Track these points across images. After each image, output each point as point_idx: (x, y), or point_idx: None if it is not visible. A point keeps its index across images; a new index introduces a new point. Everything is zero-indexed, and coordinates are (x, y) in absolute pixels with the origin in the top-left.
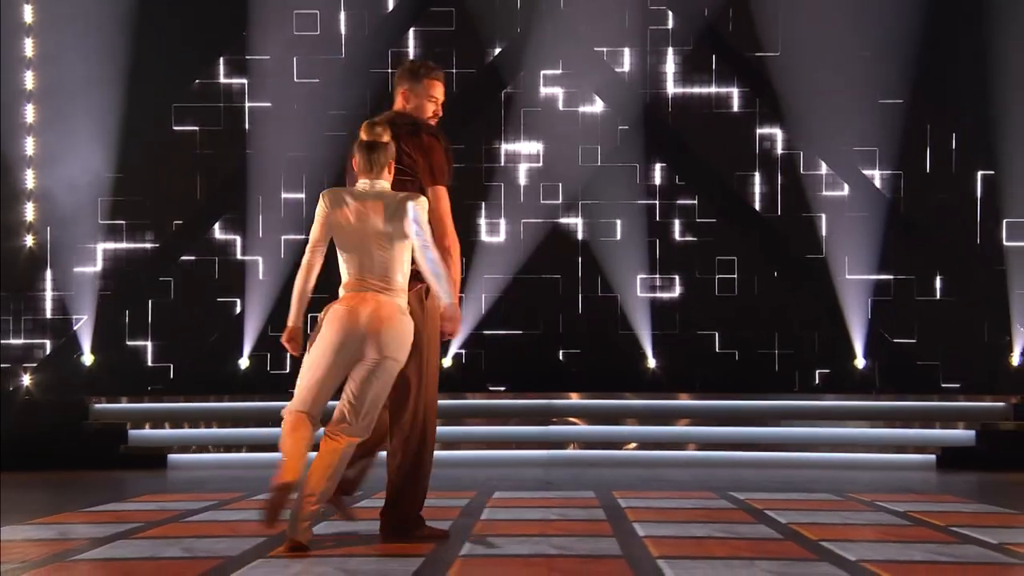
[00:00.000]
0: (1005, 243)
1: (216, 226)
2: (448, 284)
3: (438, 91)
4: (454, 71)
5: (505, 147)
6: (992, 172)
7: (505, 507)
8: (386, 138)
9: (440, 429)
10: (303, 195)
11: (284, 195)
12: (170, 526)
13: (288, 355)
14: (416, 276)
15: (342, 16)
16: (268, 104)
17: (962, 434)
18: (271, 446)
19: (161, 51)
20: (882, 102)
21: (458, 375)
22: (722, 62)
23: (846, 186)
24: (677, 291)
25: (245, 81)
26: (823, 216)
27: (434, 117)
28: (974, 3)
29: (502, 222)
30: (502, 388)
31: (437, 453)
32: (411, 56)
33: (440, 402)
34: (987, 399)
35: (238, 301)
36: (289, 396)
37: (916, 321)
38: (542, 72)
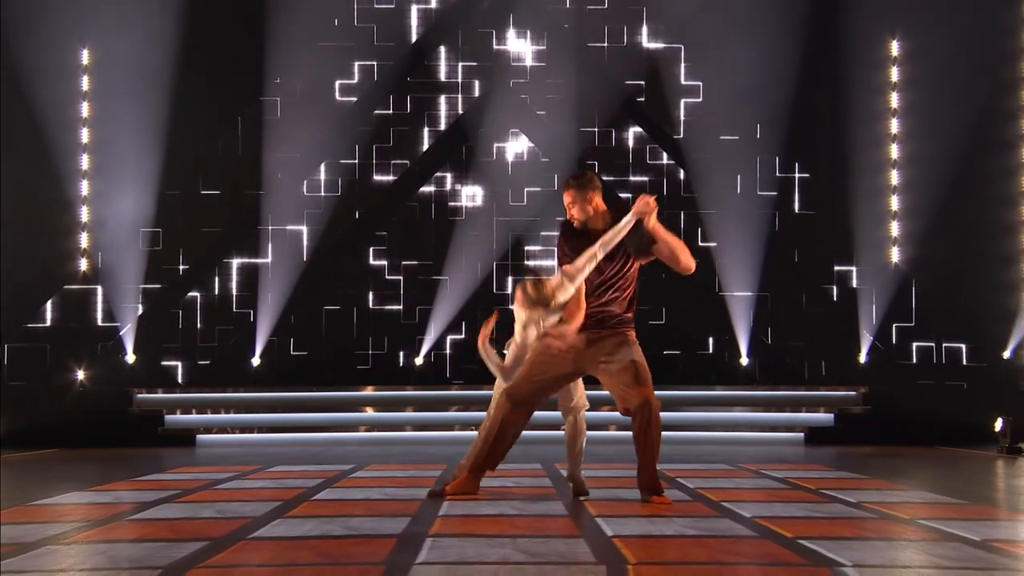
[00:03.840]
0: (855, 269)
1: (234, 252)
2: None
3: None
4: (426, 129)
5: (464, 190)
6: (846, 219)
7: None
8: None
9: (417, 415)
10: (304, 227)
11: (289, 227)
12: (203, 492)
13: (294, 357)
14: None
15: (337, 84)
16: (279, 153)
17: (823, 416)
18: (280, 428)
19: (192, 110)
20: (765, 156)
21: (430, 373)
22: (637, 124)
23: (735, 223)
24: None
25: (261, 134)
26: (717, 245)
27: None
28: (833, 91)
29: (464, 247)
30: (461, 381)
31: (412, 434)
32: (395, 114)
33: (418, 393)
34: (842, 389)
35: (251, 312)
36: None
37: (787, 328)
38: (495, 129)
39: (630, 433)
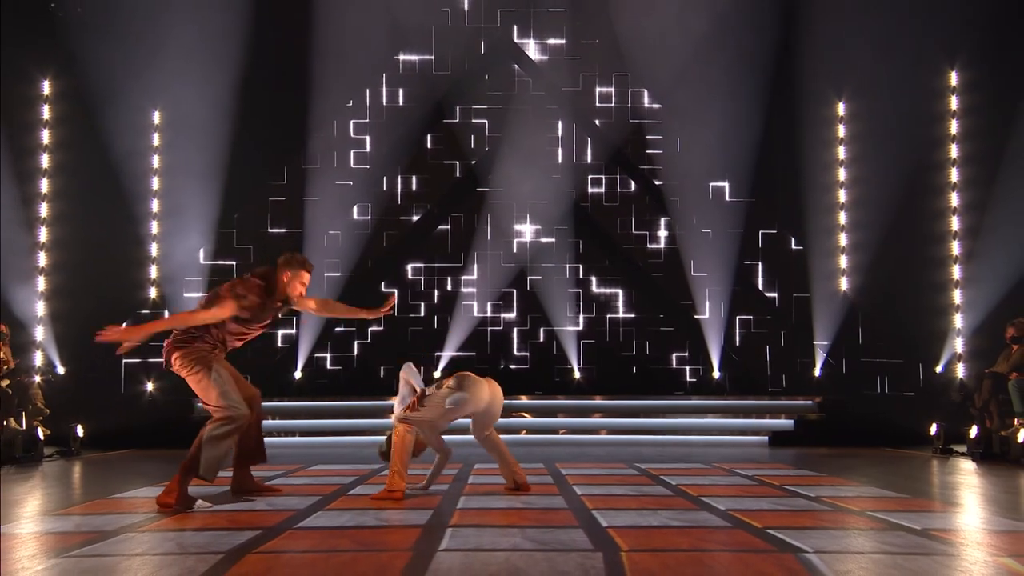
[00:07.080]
0: (811, 296)
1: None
2: None
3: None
4: (445, 174)
5: (478, 227)
6: (802, 253)
7: (483, 475)
8: None
9: None
10: (337, 260)
11: (327, 260)
12: None
13: (330, 371)
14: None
15: (368, 138)
16: (316, 197)
17: (784, 422)
18: (318, 432)
19: (245, 161)
20: (733, 200)
21: None
22: (623, 172)
23: (709, 257)
24: (594, 326)
25: (304, 181)
26: (692, 274)
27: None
28: (789, 145)
29: (475, 276)
30: None
31: None
32: (419, 161)
33: None
34: (800, 398)
35: (293, 332)
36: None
37: (753, 347)
38: (504, 175)
39: (621, 436)
